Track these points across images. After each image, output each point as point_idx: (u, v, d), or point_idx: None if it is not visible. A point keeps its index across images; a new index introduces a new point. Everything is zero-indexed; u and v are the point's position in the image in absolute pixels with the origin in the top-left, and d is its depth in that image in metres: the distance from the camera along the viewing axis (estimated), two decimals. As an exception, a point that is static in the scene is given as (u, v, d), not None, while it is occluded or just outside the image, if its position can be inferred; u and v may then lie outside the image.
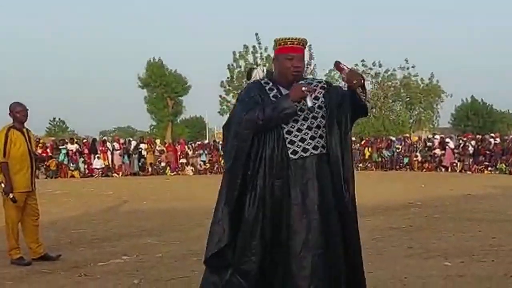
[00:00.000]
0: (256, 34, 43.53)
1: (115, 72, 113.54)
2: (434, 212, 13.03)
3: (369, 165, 35.63)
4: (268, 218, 4.34)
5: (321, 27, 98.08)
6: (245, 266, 4.33)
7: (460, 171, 31.53)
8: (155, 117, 55.10)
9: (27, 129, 8.31)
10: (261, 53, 43.61)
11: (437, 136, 35.70)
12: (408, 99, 46.33)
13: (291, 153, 4.37)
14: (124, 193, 19.45)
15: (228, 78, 44.56)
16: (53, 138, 37.85)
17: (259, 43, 43.51)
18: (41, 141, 32.14)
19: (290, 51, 4.44)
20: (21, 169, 8.03)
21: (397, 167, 34.49)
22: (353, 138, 38.41)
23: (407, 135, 39.87)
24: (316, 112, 4.45)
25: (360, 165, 35.74)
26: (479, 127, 49.70)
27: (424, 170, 33.05)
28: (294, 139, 4.39)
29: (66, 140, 33.20)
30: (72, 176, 30.68)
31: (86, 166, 31.72)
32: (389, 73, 45.59)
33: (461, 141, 33.17)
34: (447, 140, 33.32)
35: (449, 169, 32.17)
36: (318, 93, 4.51)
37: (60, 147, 31.46)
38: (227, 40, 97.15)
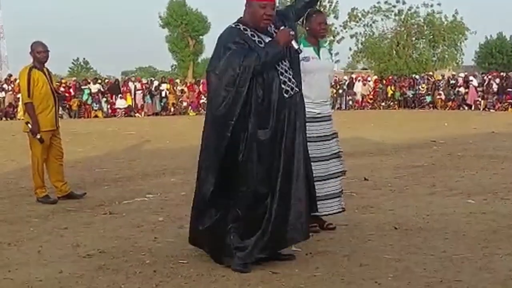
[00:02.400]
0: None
1: (136, 12, 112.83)
2: (457, 150, 12.98)
3: (391, 104, 35.46)
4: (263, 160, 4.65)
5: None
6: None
7: (484, 109, 31.28)
8: (176, 57, 54.92)
9: (47, 69, 8.29)
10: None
11: (461, 74, 35.36)
12: (431, 36, 45.66)
13: (284, 93, 4.66)
14: (147, 133, 19.55)
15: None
16: (75, 78, 37.93)
17: None
18: (63, 81, 32.28)
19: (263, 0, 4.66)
20: (45, 108, 8.05)
21: (420, 105, 34.30)
22: (375, 77, 38.23)
23: (430, 73, 39.49)
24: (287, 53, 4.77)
25: (383, 104, 35.60)
26: (503, 65, 49.02)
27: (447, 108, 32.85)
28: (284, 79, 4.67)
29: (89, 80, 33.27)
30: (96, 116, 30.86)
31: (109, 106, 31.86)
32: (412, 10, 44.92)
33: (485, 79, 32.81)
34: (471, 78, 32.99)
35: (473, 107, 31.94)
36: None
37: (83, 87, 31.57)
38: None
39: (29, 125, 7.96)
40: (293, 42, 4.66)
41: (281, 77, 4.64)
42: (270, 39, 4.69)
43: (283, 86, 4.63)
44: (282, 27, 4.73)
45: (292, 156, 4.68)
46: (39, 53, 8.15)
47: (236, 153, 4.60)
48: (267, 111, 4.60)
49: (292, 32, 4.63)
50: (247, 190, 4.62)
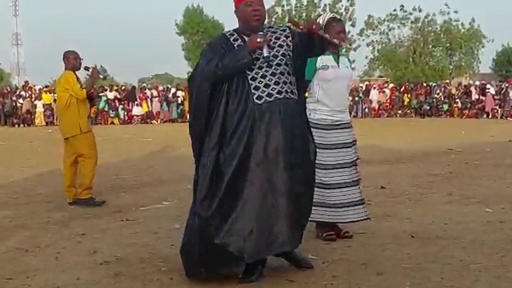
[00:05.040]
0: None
1: (153, 19, 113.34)
2: (475, 158, 12.92)
3: (408, 111, 35.37)
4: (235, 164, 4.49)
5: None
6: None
7: (501, 117, 31.12)
8: (193, 64, 55.04)
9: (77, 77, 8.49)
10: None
11: (476, 82, 35.23)
12: (448, 44, 45.51)
13: (256, 98, 4.53)
14: (163, 140, 19.60)
15: (266, 23, 44.10)
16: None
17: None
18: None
19: None
20: (86, 111, 8.35)
21: (436, 114, 34.19)
22: (391, 84, 38.16)
23: (447, 81, 39.36)
24: (280, 59, 4.63)
25: (399, 111, 35.53)
26: (520, 73, 48.80)
27: (464, 116, 32.72)
28: (258, 85, 4.55)
29: (106, 87, 33.45)
30: (112, 123, 30.99)
31: (125, 113, 31.99)
32: (429, 18, 44.80)
33: (502, 87, 32.66)
34: (488, 86, 32.85)
35: (490, 115, 31.78)
36: (282, 41, 4.70)
37: (100, 94, 31.72)
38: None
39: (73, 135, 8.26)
40: (264, 49, 4.53)
41: (252, 82, 4.54)
42: None
43: (254, 91, 4.52)
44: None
45: (263, 165, 4.48)
46: (74, 59, 8.40)
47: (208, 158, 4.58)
48: (231, 116, 4.52)
49: (260, 39, 4.47)
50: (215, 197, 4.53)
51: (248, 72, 4.56)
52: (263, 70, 4.57)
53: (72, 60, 8.37)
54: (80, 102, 8.22)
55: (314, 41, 4.63)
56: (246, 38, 4.62)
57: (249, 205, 4.44)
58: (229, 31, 4.82)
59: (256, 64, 4.55)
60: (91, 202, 8.22)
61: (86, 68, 8.47)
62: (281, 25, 5.20)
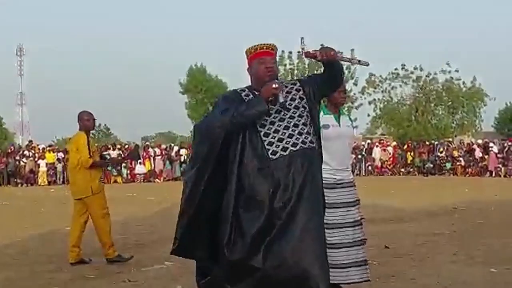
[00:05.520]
0: (302, 38, 43.43)
1: (157, 78, 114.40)
2: (479, 217, 12.86)
3: (411, 170, 35.37)
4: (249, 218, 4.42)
5: (362, 32, 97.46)
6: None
7: (505, 175, 31.10)
8: (196, 122, 55.31)
9: (91, 136, 8.66)
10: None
11: (480, 141, 35.32)
12: (450, 103, 45.79)
13: (271, 154, 4.48)
14: (165, 198, 19.53)
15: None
16: (96, 144, 38.22)
17: (303, 48, 43.38)
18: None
19: (261, 55, 4.64)
20: (98, 173, 8.41)
21: (440, 172, 34.17)
22: (394, 143, 38.28)
23: (450, 139, 39.45)
24: (293, 112, 4.59)
25: (402, 170, 35.53)
26: (523, 132, 48.93)
27: (468, 175, 32.69)
28: (272, 140, 4.51)
29: (109, 146, 33.56)
30: (115, 181, 31.00)
31: (128, 172, 32.02)
32: (430, 77, 45.17)
33: (505, 145, 32.71)
34: (491, 144, 32.91)
35: (493, 174, 31.76)
36: (293, 94, 4.67)
37: (103, 153, 31.74)
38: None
39: (85, 197, 8.30)
40: (280, 94, 4.46)
41: (265, 138, 4.49)
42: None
43: (268, 147, 4.48)
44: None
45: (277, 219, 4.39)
46: (88, 120, 8.49)
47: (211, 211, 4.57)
48: (247, 174, 4.48)
49: (275, 85, 4.45)
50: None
51: (261, 129, 4.52)
52: (276, 125, 4.53)
53: (85, 121, 8.48)
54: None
55: (330, 68, 4.64)
56: (257, 94, 4.59)
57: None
58: (241, 88, 4.80)
59: (267, 120, 4.52)
60: (122, 259, 8.30)
61: (103, 157, 8.68)
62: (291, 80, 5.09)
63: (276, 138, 4.50)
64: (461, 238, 10.05)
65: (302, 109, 4.63)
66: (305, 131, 4.56)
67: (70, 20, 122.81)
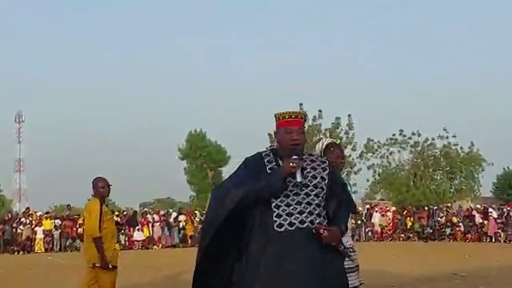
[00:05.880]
0: (301, 104, 43.82)
1: (155, 144, 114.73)
2: (480, 283, 12.74)
3: (411, 235, 35.20)
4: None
5: (360, 97, 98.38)
6: None
7: (504, 241, 30.96)
8: (195, 188, 55.31)
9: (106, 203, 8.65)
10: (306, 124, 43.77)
11: (478, 206, 35.29)
12: (448, 168, 45.89)
13: (277, 226, 4.40)
14: (164, 266, 19.40)
15: (270, 146, 44.52)
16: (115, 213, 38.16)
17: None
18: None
19: (289, 125, 4.58)
20: (112, 239, 8.41)
21: (439, 237, 34.01)
22: (393, 208, 38.23)
23: (449, 204, 39.38)
24: (310, 190, 4.50)
25: (402, 235, 35.37)
26: (522, 196, 48.93)
27: (467, 240, 32.52)
28: (281, 212, 4.43)
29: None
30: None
31: (126, 238, 31.82)
32: (428, 142, 45.38)
33: (504, 211, 32.64)
34: (490, 210, 32.84)
35: (493, 239, 31.62)
36: (317, 172, 4.59)
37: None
38: (269, 109, 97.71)
39: (97, 265, 8.12)
40: (297, 174, 4.43)
41: (275, 209, 4.42)
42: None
43: (276, 219, 4.40)
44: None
45: None
46: (102, 188, 8.47)
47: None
48: (252, 243, 4.45)
49: (293, 164, 4.39)
50: None
51: (273, 199, 4.45)
52: (289, 198, 4.45)
53: (99, 189, 8.44)
54: (105, 234, 8.21)
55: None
56: (281, 162, 4.54)
57: None
58: (266, 150, 4.77)
59: (293, 190, 4.46)
60: None
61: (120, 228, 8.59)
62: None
63: (286, 212, 4.42)
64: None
65: (320, 190, 4.53)
66: (316, 212, 4.46)
67: (67, 87, 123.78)
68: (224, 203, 4.50)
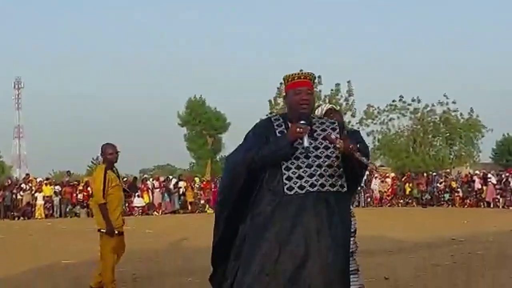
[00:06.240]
0: (301, 71, 43.59)
1: (155, 110, 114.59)
2: (478, 248, 12.80)
3: (410, 201, 35.32)
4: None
5: (359, 64, 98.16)
6: None
7: (503, 206, 31.07)
8: (195, 155, 55.36)
9: (116, 168, 8.58)
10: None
11: (478, 172, 35.35)
12: (448, 134, 45.91)
13: (287, 189, 4.37)
14: (164, 231, 19.49)
15: (269, 113, 44.45)
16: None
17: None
18: (85, 179, 32.78)
19: (298, 86, 4.53)
20: (118, 206, 8.36)
21: (438, 203, 34.13)
22: (393, 174, 38.32)
23: (448, 170, 39.48)
24: (321, 152, 4.45)
25: (401, 201, 35.49)
26: (521, 162, 49.00)
27: (466, 206, 32.65)
28: (291, 175, 4.40)
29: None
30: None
31: (126, 204, 31.90)
32: (428, 108, 45.34)
33: (503, 176, 32.71)
34: (489, 175, 32.90)
35: (492, 205, 31.73)
36: (328, 133, 4.51)
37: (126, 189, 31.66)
38: (270, 76, 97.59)
39: (102, 230, 8.17)
40: (304, 138, 4.35)
41: (285, 172, 4.39)
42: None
43: (286, 181, 4.38)
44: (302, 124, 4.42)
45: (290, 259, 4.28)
46: (110, 154, 8.45)
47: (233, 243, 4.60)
48: (263, 205, 4.42)
49: (299, 129, 4.32)
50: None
51: (283, 162, 4.42)
52: (299, 161, 4.41)
53: (107, 155, 8.44)
54: (110, 200, 8.25)
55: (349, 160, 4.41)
56: (290, 125, 4.48)
57: None
58: (276, 115, 4.74)
59: (303, 153, 4.41)
60: None
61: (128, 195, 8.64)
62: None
63: (296, 175, 4.39)
64: (460, 270, 9.98)
65: (332, 150, 4.45)
66: (328, 173, 4.41)
67: (68, 53, 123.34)
68: (236, 169, 4.55)
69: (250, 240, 4.44)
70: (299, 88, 4.52)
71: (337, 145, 4.35)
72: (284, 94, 4.69)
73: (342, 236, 4.40)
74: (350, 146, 4.29)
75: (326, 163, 4.44)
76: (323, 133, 4.52)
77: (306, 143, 4.36)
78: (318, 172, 4.41)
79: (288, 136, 4.39)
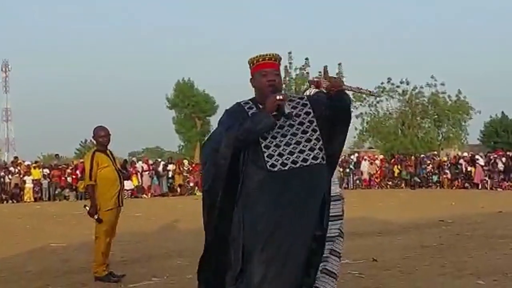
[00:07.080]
0: (289, 53, 43.62)
1: (143, 93, 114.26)
2: (466, 229, 12.88)
3: (398, 183, 35.46)
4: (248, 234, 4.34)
5: (348, 43, 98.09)
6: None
7: (491, 188, 31.24)
8: (183, 137, 55.29)
9: (110, 151, 8.65)
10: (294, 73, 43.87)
11: (465, 153, 35.50)
12: (436, 116, 45.99)
13: (270, 166, 4.37)
14: (153, 214, 19.49)
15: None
16: (82, 160, 38.12)
17: (290, 63, 43.61)
18: (75, 162, 32.71)
19: (263, 67, 4.50)
20: (110, 187, 8.42)
21: (426, 185, 34.28)
22: (381, 156, 38.43)
23: (436, 152, 39.60)
24: (296, 129, 4.46)
25: (390, 183, 35.61)
26: (509, 144, 49.15)
27: (454, 187, 32.81)
28: (272, 153, 4.39)
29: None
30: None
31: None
32: (416, 90, 45.37)
33: (490, 158, 32.87)
34: (477, 157, 33.04)
35: (480, 186, 31.89)
36: (299, 110, 4.53)
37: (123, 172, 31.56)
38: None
39: (87, 207, 8.31)
40: (285, 106, 4.36)
41: (265, 150, 4.38)
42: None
43: (267, 159, 4.36)
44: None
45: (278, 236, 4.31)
46: (101, 137, 8.57)
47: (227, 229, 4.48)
48: (248, 186, 4.39)
49: (279, 96, 4.32)
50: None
51: (262, 141, 4.40)
52: (277, 140, 4.41)
53: (98, 138, 8.55)
54: (101, 181, 8.30)
55: (338, 100, 4.52)
56: (261, 107, 4.47)
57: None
58: (244, 100, 4.67)
59: (270, 132, 4.40)
60: (106, 279, 8.17)
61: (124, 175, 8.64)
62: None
63: (277, 152, 4.39)
64: (448, 251, 10.05)
65: (308, 124, 4.48)
66: (308, 147, 4.43)
67: (56, 36, 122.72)
68: (220, 152, 4.45)
69: (246, 225, 4.36)
70: (265, 70, 4.50)
71: (323, 86, 4.38)
72: (251, 77, 4.62)
73: (320, 206, 4.43)
74: (335, 79, 4.43)
75: (304, 138, 4.45)
76: (294, 110, 4.50)
77: (287, 110, 4.38)
78: (298, 149, 4.42)
79: (267, 105, 4.36)
